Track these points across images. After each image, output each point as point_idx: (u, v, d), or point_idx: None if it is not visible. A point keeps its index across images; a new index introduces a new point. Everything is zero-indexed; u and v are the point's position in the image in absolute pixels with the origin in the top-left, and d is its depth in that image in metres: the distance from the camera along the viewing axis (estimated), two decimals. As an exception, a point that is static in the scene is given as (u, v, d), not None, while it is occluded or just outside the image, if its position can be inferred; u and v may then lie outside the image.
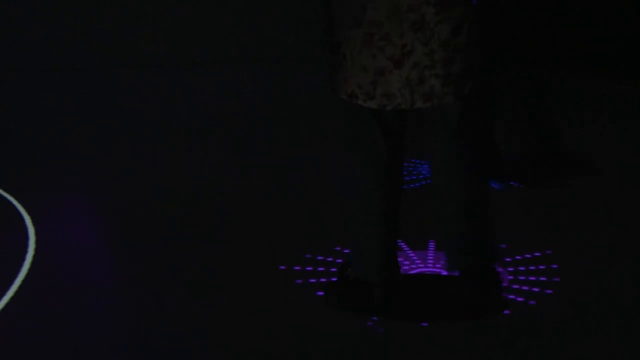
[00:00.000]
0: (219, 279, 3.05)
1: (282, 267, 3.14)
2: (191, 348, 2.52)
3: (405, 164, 2.95)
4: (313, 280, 3.03)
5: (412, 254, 3.24)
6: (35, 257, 3.20)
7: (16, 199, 3.91)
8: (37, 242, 3.36)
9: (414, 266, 3.15)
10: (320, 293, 2.92)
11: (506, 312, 2.77)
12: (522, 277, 3.03)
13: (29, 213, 3.69)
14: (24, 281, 2.96)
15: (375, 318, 2.72)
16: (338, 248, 3.25)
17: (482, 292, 2.79)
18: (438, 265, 3.16)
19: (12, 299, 2.79)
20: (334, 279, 2.99)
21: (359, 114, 2.63)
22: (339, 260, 3.15)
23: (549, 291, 2.92)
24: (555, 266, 3.11)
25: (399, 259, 2.87)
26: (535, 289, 2.94)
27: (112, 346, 2.51)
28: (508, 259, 3.17)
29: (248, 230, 3.52)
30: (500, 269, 2.98)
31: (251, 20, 10.37)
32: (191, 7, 10.12)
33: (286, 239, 3.40)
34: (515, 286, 2.97)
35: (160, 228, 3.55)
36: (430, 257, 3.24)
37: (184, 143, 5.26)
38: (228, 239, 3.41)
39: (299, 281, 3.03)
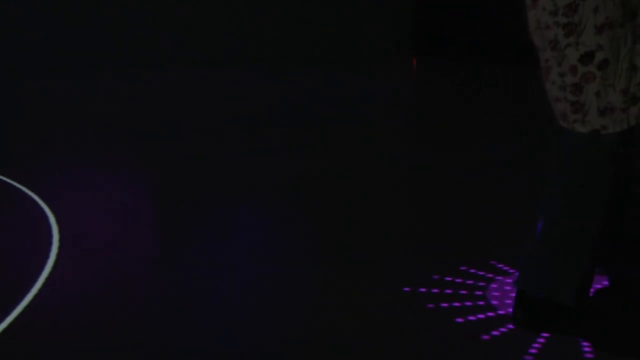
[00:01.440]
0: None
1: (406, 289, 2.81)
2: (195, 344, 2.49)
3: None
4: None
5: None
6: (59, 255, 3.21)
7: (40, 198, 3.93)
8: (61, 240, 3.39)
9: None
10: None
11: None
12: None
13: (53, 212, 3.71)
14: (47, 279, 2.98)
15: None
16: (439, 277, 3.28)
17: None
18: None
19: (36, 296, 2.79)
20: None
21: None
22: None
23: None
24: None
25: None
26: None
27: (129, 348, 2.48)
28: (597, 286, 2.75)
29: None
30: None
31: (251, 20, 10.41)
32: (191, 7, 10.15)
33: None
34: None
35: (178, 228, 3.55)
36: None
37: (201, 141, 5.30)
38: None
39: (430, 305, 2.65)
